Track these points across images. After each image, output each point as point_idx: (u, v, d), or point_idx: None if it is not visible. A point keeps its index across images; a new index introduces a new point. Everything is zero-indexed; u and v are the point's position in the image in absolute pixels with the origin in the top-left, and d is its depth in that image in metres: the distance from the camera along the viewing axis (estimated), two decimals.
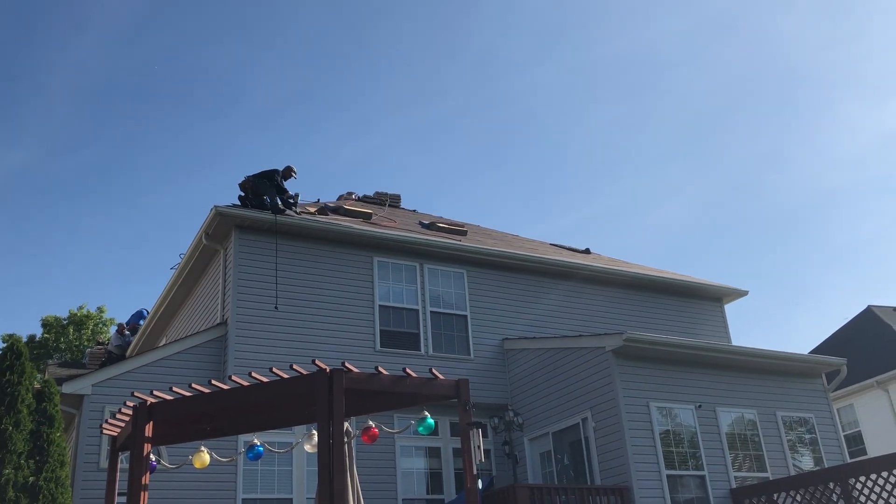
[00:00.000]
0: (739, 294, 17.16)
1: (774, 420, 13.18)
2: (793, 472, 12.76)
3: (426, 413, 6.36)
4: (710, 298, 17.03)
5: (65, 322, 28.46)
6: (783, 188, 44.19)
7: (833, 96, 43.95)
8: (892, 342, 23.38)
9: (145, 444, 6.20)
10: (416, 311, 13.98)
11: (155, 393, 6.51)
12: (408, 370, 6.34)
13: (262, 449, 6.92)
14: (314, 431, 6.03)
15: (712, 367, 12.92)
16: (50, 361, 22.85)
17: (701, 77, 42.64)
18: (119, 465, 6.93)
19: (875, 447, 21.78)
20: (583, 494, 11.22)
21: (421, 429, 6.33)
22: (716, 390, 12.80)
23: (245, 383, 6.32)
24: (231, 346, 12.13)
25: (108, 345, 17.68)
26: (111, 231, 47.32)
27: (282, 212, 13.23)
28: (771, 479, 12.42)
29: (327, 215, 14.65)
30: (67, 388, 11.22)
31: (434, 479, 13.06)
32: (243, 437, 11.24)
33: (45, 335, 28.05)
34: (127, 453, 6.63)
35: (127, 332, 17.43)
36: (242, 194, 13.53)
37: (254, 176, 13.57)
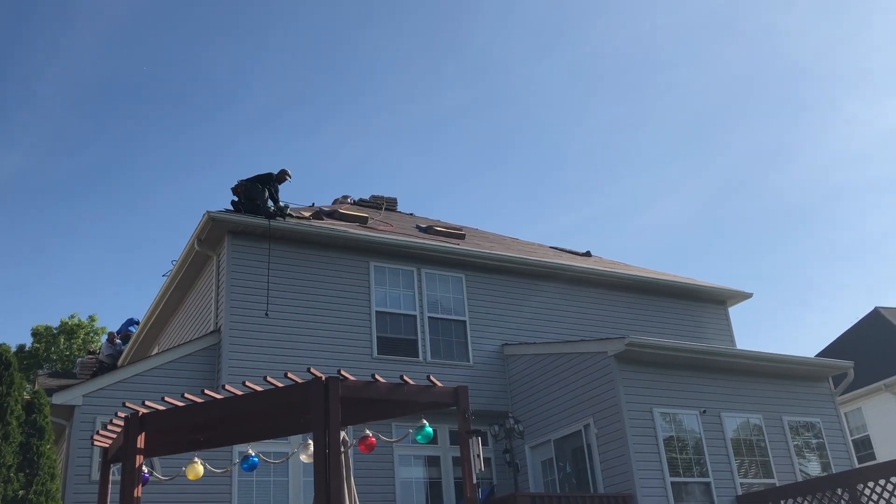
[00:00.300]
0: (743, 296, 17.17)
1: (780, 425, 13.18)
2: (800, 478, 12.75)
3: (424, 421, 6.36)
4: (714, 301, 17.05)
5: (55, 331, 28.42)
6: (786, 186, 44.28)
7: (836, 93, 44.09)
8: None
9: (137, 456, 6.19)
10: (414, 316, 13.98)
11: (147, 403, 6.50)
12: (405, 377, 6.34)
13: (256, 459, 6.91)
14: (310, 441, 6.02)
15: (717, 371, 12.92)
16: (40, 372, 22.81)
17: (701, 75, 42.78)
18: (111, 478, 6.91)
19: (884, 452, 21.77)
20: (585, 502, 11.20)
21: (419, 437, 6.32)
22: (720, 395, 12.79)
23: (239, 392, 6.31)
24: (224, 355, 12.11)
25: (98, 354, 17.65)
26: (107, 235, 47.34)
27: (275, 217, 13.23)
28: (777, 485, 12.40)
29: (322, 220, 14.65)
30: (58, 399, 11.19)
31: (433, 489, 13.04)
32: (238, 448, 11.22)
33: (35, 345, 28.00)
34: (119, 465, 6.61)
35: (118, 341, 17.40)
36: (236, 199, 13.52)
37: (247, 180, 13.57)
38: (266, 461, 7.35)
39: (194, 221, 13.22)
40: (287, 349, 12.49)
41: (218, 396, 6.46)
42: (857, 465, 13.76)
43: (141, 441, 6.25)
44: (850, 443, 13.99)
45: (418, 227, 16.84)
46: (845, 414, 21.92)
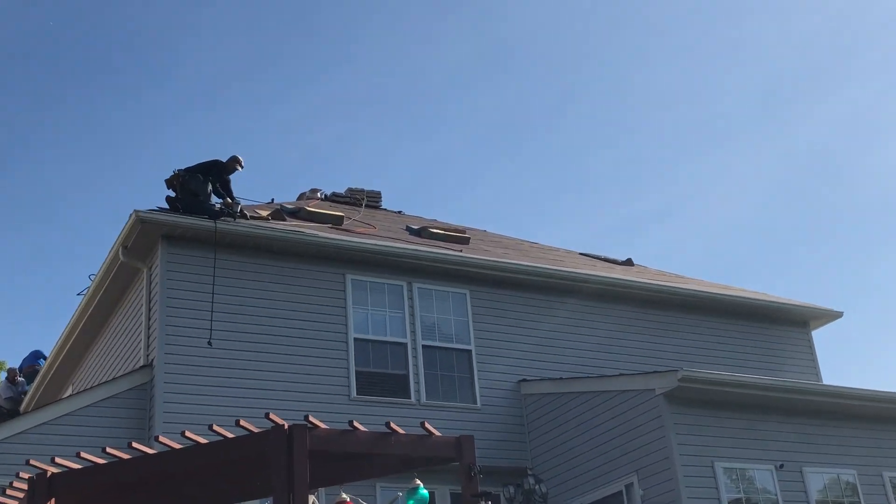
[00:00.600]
0: (831, 316, 17.18)
1: (881, 482, 13.15)
2: None
3: (418, 482, 6.35)
4: (794, 322, 17.04)
5: None
6: (885, 174, 44.24)
7: None
8: None
9: None
10: (404, 345, 13.96)
11: (57, 461, 6.49)
12: (393, 425, 6.33)
13: None
14: None
15: (797, 413, 12.91)
16: None
17: (782, 34, 42.71)
18: None
19: None
20: None
21: (412, 503, 6.31)
22: (802, 445, 12.77)
23: (177, 446, 6.30)
24: (158, 397, 12.10)
25: None
26: (2, 250, 47.26)
27: (222, 216, 13.22)
28: None
29: (284, 220, 14.66)
30: None
31: None
32: None
33: None
34: None
35: (21, 380, 17.38)
36: (172, 194, 13.53)
37: (186, 170, 13.57)
38: None
39: (118, 225, 13.25)
40: (239, 389, 12.46)
41: (150, 451, 6.45)
42: None
43: None
44: None
45: (409, 229, 16.84)
46: None
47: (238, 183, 14.15)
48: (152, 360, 12.51)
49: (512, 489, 13.08)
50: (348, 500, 6.56)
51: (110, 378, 13.47)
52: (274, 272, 13.50)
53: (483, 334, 14.57)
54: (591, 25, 42.76)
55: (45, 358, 17.34)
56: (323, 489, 10.78)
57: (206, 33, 42.90)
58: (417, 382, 13.78)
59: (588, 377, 13.93)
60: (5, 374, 18.23)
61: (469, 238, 16.53)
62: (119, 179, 46.03)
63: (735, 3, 41.50)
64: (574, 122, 44.80)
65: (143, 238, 13.02)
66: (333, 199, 18.75)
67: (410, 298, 14.28)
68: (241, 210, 13.78)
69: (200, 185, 13.45)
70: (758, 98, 42.12)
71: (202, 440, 6.29)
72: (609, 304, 15.67)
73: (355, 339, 13.63)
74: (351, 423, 6.29)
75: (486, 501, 6.04)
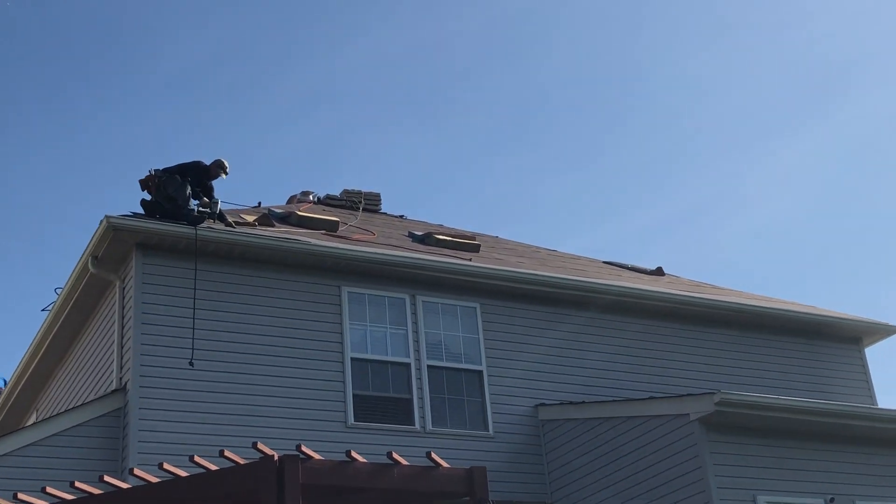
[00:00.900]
0: (886, 331, 17.16)
1: None
2: None
3: None
4: (844, 339, 17.02)
5: None
6: None
7: None
8: None
9: None
10: (407, 365, 13.97)
11: (20, 497, 6.49)
12: (395, 455, 6.32)
13: None
14: None
15: (849, 440, 12.88)
16: None
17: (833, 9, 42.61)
18: None
19: None
20: None
21: None
22: (855, 476, 12.74)
23: (154, 479, 6.30)
24: (133, 424, 12.10)
25: None
26: None
27: (202, 222, 13.22)
28: None
29: (273, 226, 14.68)
30: None
31: None
32: None
33: None
34: None
35: None
36: (147, 197, 13.55)
37: (164, 170, 13.60)
38: None
39: (88, 232, 13.27)
40: (223, 415, 12.47)
41: (123, 485, 6.45)
42: None
43: None
44: None
45: (412, 236, 16.87)
46: None
47: (220, 184, 14.17)
48: (126, 382, 12.51)
49: None
50: None
51: (79, 403, 13.48)
52: (261, 284, 13.51)
53: (495, 353, 14.55)
54: (617, 7, 42.73)
55: (5, 381, 17.38)
56: None
57: (180, 16, 42.92)
58: (422, 407, 13.77)
59: (614, 401, 13.91)
60: None
61: (479, 245, 16.54)
62: (88, 181, 46.09)
63: None
64: (596, 114, 44.63)
65: (115, 247, 13.04)
66: (327, 202, 18.77)
67: (414, 313, 14.28)
68: (220, 212, 13.76)
69: (178, 187, 13.45)
70: (804, 84, 41.97)
71: (182, 473, 6.29)
72: (637, 319, 15.67)
73: (352, 359, 13.63)
74: (348, 453, 6.28)
75: None
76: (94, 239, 13.07)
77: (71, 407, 13.63)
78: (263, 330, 13.26)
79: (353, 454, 6.22)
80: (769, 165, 44.47)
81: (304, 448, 6.08)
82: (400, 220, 19.09)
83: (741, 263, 44.84)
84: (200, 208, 13.44)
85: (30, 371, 15.78)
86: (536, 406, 14.43)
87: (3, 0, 36.01)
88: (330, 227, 15.38)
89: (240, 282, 13.41)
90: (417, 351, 14.08)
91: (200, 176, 13.81)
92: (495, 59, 44.14)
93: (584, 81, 44.43)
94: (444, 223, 19.05)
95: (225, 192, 14.25)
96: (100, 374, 13.62)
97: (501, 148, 45.53)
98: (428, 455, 6.44)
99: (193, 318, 12.76)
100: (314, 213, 16.10)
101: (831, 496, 12.42)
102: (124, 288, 13.21)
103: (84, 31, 43.59)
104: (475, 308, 14.75)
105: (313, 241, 14.09)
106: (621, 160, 45.38)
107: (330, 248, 13.96)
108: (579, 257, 18.64)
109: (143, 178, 13.56)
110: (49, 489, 6.68)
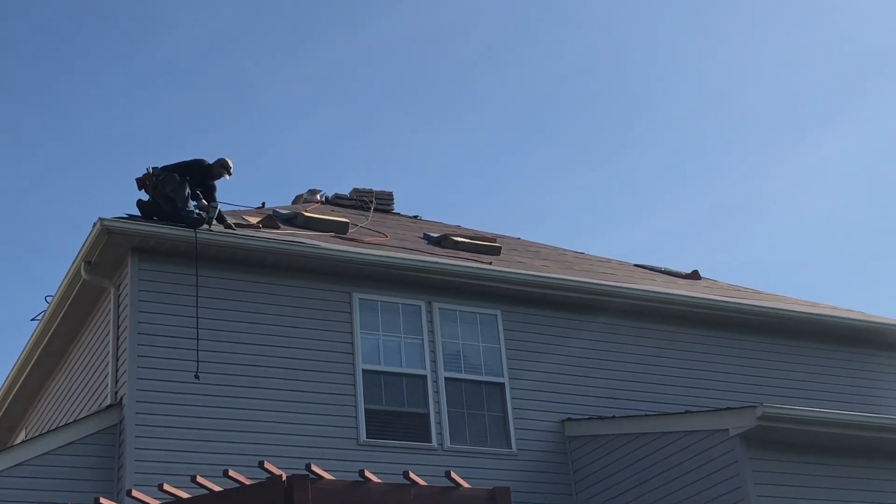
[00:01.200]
0: None
1: None
2: None
3: None
4: (894, 347, 16.99)
5: None
6: None
7: None
8: None
9: None
10: (423, 377, 13.98)
11: None
12: (412, 475, 6.33)
13: None
14: None
15: None
16: None
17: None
18: None
19: None
20: None
21: None
22: None
23: (153, 502, 6.33)
24: (129, 442, 12.12)
25: None
26: None
27: (202, 224, 13.24)
28: None
29: (278, 228, 14.72)
30: None
31: None
32: None
33: None
34: None
35: None
36: (145, 197, 13.59)
37: (162, 168, 13.63)
38: None
39: (80, 236, 13.31)
40: (227, 432, 12.49)
41: None
42: None
43: None
44: None
45: (427, 238, 16.88)
46: None
47: (222, 185, 14.18)
48: (122, 397, 12.53)
49: None
50: None
51: (71, 420, 13.52)
52: (266, 291, 13.53)
53: (518, 364, 14.55)
54: None
55: None
56: None
57: (179, 2, 42.99)
58: (440, 423, 13.77)
59: (647, 415, 13.89)
60: None
61: (500, 247, 16.55)
62: (80, 180, 46.22)
63: None
64: (620, 109, 44.48)
65: (109, 251, 13.06)
66: (336, 201, 18.82)
67: (430, 321, 14.30)
68: (220, 213, 13.77)
69: (177, 187, 13.47)
70: (850, 71, 41.81)
71: (184, 494, 6.31)
72: (671, 326, 15.65)
73: (364, 371, 13.65)
74: (361, 472, 6.30)
75: None
76: (87, 243, 13.09)
77: (63, 424, 13.67)
78: (268, 340, 13.27)
79: (367, 473, 6.24)
80: (805, 161, 44.26)
81: (314, 467, 6.10)
82: (414, 220, 19.12)
83: (777, 266, 44.67)
84: (198, 211, 13.45)
85: (18, 385, 15.84)
86: (563, 421, 14.40)
87: None
88: (339, 229, 15.41)
89: (243, 288, 13.43)
90: (434, 362, 14.09)
91: (202, 176, 13.80)
92: (513, 49, 44.03)
93: (606, 74, 44.31)
94: (462, 224, 19.09)
95: (226, 191, 14.34)
96: (94, 389, 13.66)
97: (521, 143, 45.36)
98: (447, 474, 6.45)
99: (197, 328, 12.78)
100: (322, 214, 16.14)
101: None
102: (119, 295, 13.25)
103: (74, 15, 43.70)
104: (496, 315, 14.75)
105: (321, 243, 14.10)
106: (645, 157, 45.18)
107: (339, 252, 13.97)
108: (609, 260, 18.63)
109: (140, 176, 13.59)
110: None
